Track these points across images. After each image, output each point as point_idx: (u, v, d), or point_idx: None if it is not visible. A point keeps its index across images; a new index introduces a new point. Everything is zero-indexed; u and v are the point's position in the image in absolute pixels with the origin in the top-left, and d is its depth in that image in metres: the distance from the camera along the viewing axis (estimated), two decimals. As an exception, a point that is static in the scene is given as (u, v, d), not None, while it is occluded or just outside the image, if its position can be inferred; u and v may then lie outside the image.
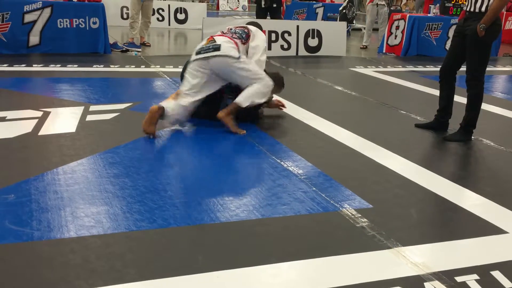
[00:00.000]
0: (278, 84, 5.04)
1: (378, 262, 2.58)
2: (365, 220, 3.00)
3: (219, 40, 4.63)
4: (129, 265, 2.41)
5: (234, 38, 4.70)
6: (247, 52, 4.74)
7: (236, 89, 4.68)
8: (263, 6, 10.03)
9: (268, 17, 10.23)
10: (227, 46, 4.58)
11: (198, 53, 4.64)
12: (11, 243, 2.54)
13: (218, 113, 4.57)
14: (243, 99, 4.56)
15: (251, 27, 4.91)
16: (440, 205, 3.37)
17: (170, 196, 3.20)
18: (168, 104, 4.45)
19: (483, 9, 4.50)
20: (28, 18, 8.08)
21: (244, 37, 4.76)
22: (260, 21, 9.10)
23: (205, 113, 4.80)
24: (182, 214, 2.97)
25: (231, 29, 4.87)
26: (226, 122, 4.56)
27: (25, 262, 2.39)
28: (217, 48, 4.55)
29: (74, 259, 2.43)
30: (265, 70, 4.82)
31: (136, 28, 9.58)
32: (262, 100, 4.70)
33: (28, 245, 2.54)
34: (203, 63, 4.58)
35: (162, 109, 4.36)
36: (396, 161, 4.10)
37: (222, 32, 4.84)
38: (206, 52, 4.57)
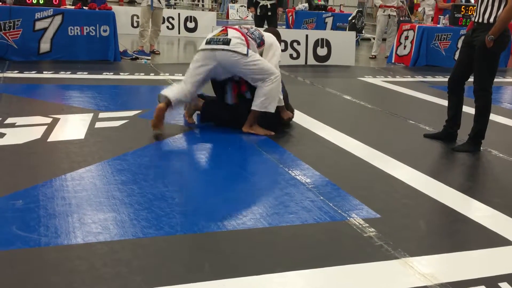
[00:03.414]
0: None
1: (386, 272, 2.56)
2: (373, 230, 2.99)
3: (231, 33, 4.65)
4: (135, 272, 2.41)
5: (249, 36, 4.72)
6: (261, 54, 4.81)
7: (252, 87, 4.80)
8: (258, 13, 10.21)
9: (265, 26, 10.33)
10: (236, 41, 4.59)
11: (208, 42, 4.67)
12: (18, 249, 2.55)
13: (243, 128, 4.76)
14: (258, 105, 4.67)
15: (267, 38, 4.92)
16: (448, 215, 3.35)
17: (177, 203, 3.20)
18: (171, 92, 4.65)
19: (491, 20, 4.50)
20: (39, 25, 8.14)
21: (259, 43, 4.80)
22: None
23: (227, 117, 4.92)
24: (189, 221, 2.96)
25: (250, 28, 4.88)
26: (253, 132, 4.74)
27: (32, 268, 2.40)
28: (227, 42, 4.58)
29: (80, 265, 2.43)
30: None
31: (146, 36, 9.64)
32: (277, 100, 4.77)
33: (35, 251, 2.55)
34: (210, 54, 4.62)
35: (167, 104, 4.58)
36: (404, 171, 4.09)
37: (240, 27, 4.85)
38: (216, 44, 4.60)
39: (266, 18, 10.33)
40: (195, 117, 5.12)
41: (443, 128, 5.06)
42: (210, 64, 4.63)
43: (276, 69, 4.75)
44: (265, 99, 4.64)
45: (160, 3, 9.49)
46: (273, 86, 4.65)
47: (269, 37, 4.97)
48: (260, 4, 10.18)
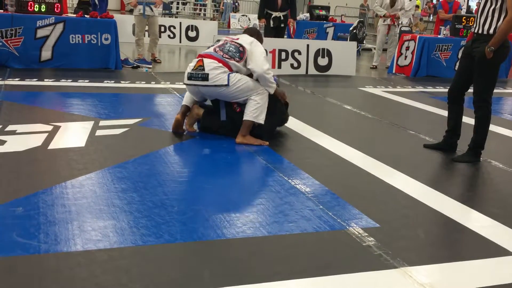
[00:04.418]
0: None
1: (384, 281, 2.57)
2: (372, 239, 2.99)
3: (208, 66, 4.70)
4: (135, 280, 2.41)
5: (225, 58, 4.75)
6: (246, 62, 4.81)
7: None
8: (272, 25, 10.13)
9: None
10: (215, 73, 4.66)
11: (188, 78, 4.80)
12: (18, 256, 2.55)
13: (236, 140, 4.75)
14: (248, 115, 4.73)
15: (246, 45, 4.85)
16: (447, 225, 3.35)
17: (177, 211, 3.20)
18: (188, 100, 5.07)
19: (491, 31, 4.51)
20: (40, 33, 8.16)
21: (238, 56, 4.79)
22: (268, 40, 9.15)
23: (226, 126, 4.93)
24: (189, 229, 2.97)
25: (225, 44, 4.87)
26: (246, 142, 4.73)
27: (31, 275, 2.40)
28: (205, 77, 4.68)
29: (80, 273, 2.44)
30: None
31: (142, 45, 9.67)
32: (265, 111, 4.80)
33: (35, 258, 2.55)
34: (194, 89, 4.85)
35: (184, 113, 4.97)
36: (404, 181, 4.09)
37: (216, 48, 4.86)
38: (196, 80, 4.73)
39: (277, 30, 10.29)
40: (195, 126, 5.13)
41: (443, 139, 5.07)
42: (197, 95, 4.93)
43: (259, 86, 4.78)
44: (255, 109, 4.71)
45: (153, 11, 9.47)
46: (261, 97, 4.74)
47: (245, 42, 4.89)
48: (273, 15, 10.14)
